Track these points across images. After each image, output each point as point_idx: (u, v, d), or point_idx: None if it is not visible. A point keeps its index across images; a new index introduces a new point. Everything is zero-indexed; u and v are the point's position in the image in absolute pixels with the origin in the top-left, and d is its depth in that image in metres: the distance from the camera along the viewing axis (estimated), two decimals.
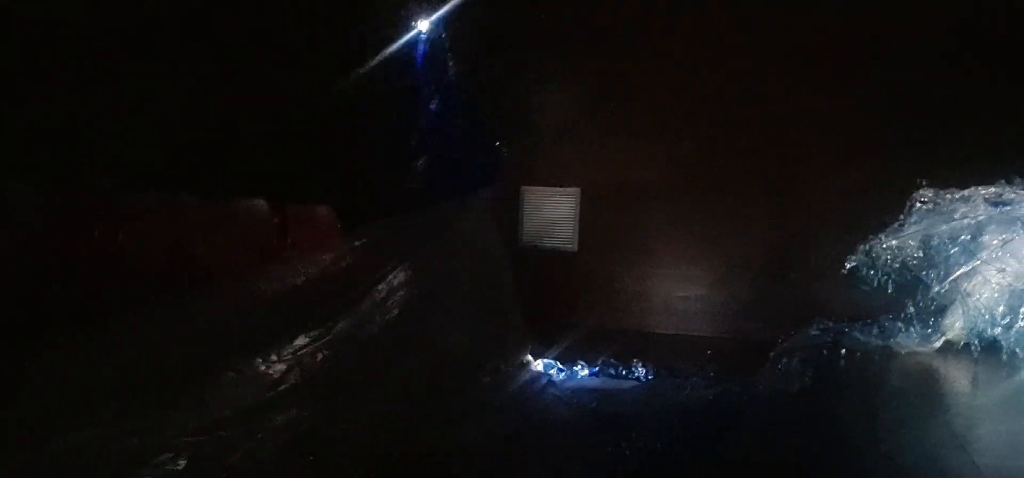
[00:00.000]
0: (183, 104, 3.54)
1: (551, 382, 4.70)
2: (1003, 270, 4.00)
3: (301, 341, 3.65)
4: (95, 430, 2.66)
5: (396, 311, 4.20)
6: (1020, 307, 4.00)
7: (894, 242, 4.24)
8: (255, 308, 3.77)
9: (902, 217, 4.28)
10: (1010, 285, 4.01)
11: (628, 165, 5.53)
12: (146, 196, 3.39)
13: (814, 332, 4.45)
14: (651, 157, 5.47)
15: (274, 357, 3.52)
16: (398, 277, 4.28)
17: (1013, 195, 4.08)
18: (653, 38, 5.39)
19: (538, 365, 4.96)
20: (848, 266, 4.37)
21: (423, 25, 5.01)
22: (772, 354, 4.35)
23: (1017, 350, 4.02)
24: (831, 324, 4.47)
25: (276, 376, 3.49)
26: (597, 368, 4.85)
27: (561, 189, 5.70)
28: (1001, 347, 4.04)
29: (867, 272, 4.31)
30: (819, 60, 5.09)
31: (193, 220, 3.68)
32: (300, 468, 3.02)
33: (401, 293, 4.25)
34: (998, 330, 4.07)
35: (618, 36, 5.43)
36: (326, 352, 3.80)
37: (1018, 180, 4.09)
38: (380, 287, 4.22)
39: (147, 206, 3.41)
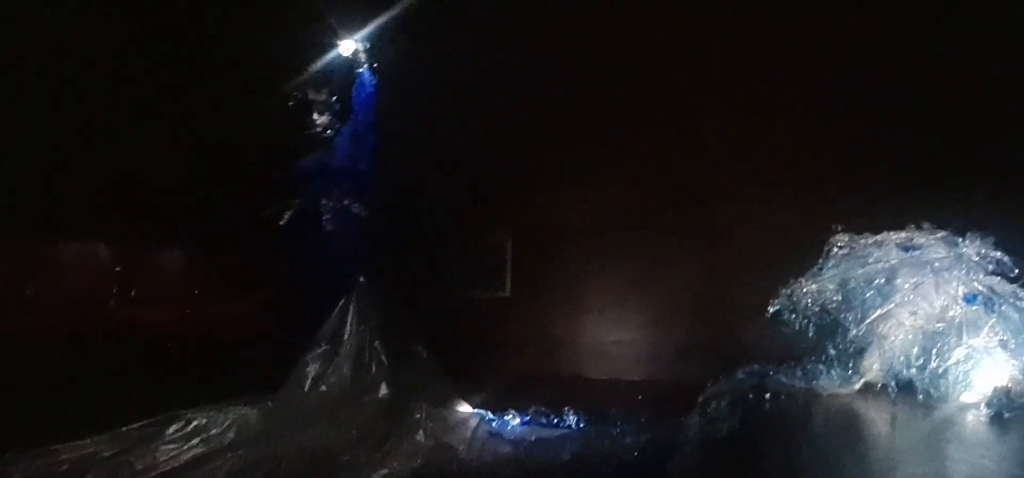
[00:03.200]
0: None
1: (482, 432, 4.63)
2: (915, 313, 4.13)
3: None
4: None
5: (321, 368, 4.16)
6: (933, 348, 4.12)
7: (814, 286, 4.34)
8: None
9: (821, 261, 4.39)
10: (922, 327, 4.13)
11: (559, 211, 5.57)
12: None
13: (741, 375, 4.53)
14: (581, 202, 5.53)
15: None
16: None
17: (923, 240, 4.24)
18: (579, 83, 5.48)
19: (469, 414, 4.88)
20: (771, 309, 4.44)
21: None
22: (701, 398, 4.41)
23: (932, 390, 4.13)
24: (757, 367, 4.55)
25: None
26: (528, 417, 4.81)
27: (493, 236, 5.68)
28: (916, 388, 4.16)
29: (789, 315, 4.39)
30: (742, 106, 5.25)
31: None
32: None
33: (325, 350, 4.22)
34: (913, 371, 4.18)
35: (544, 80, 5.50)
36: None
37: (927, 225, 4.26)
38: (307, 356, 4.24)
39: None
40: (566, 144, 5.53)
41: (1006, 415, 3.85)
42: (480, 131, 5.66)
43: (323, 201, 4.71)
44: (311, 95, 4.88)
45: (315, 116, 4.84)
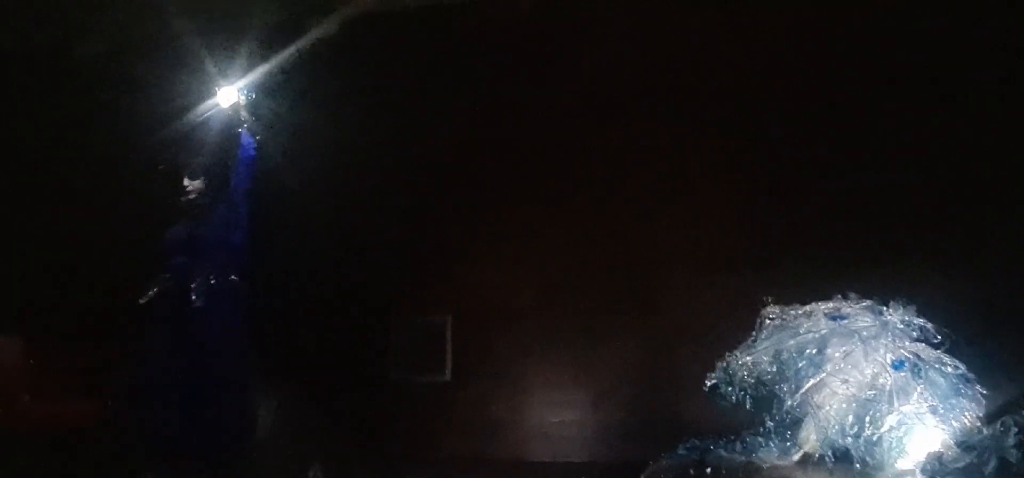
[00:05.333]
0: None
1: None
2: (846, 381, 4.18)
3: None
4: None
5: None
6: (866, 416, 4.16)
7: (748, 358, 4.38)
8: None
9: (754, 334, 4.44)
10: (854, 395, 4.18)
11: (498, 292, 5.57)
12: None
13: (682, 451, 4.50)
14: (520, 283, 5.54)
15: None
16: None
17: (850, 309, 4.34)
18: (515, 164, 5.59)
19: None
20: (709, 383, 4.46)
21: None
22: (642, 477, 4.35)
23: (867, 459, 4.16)
24: (697, 441, 4.53)
25: None
26: None
27: (432, 318, 5.63)
28: (852, 456, 4.18)
29: (726, 388, 4.41)
30: (672, 186, 5.40)
31: None
32: None
33: None
34: (849, 440, 4.20)
35: (480, 165, 5.58)
36: None
37: (853, 295, 4.37)
38: None
39: None
40: (499, 223, 5.58)
41: None
42: (420, 218, 5.67)
43: (196, 278, 4.19)
44: (183, 157, 4.46)
45: (187, 182, 4.37)
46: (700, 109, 5.37)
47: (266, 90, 4.94)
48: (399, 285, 5.67)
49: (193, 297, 4.18)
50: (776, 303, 4.49)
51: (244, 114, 4.61)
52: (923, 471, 4.00)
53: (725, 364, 4.47)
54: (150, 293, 4.25)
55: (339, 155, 5.69)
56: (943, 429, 4.09)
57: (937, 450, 4.06)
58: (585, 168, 5.53)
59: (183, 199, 4.42)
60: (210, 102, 4.71)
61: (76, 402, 4.82)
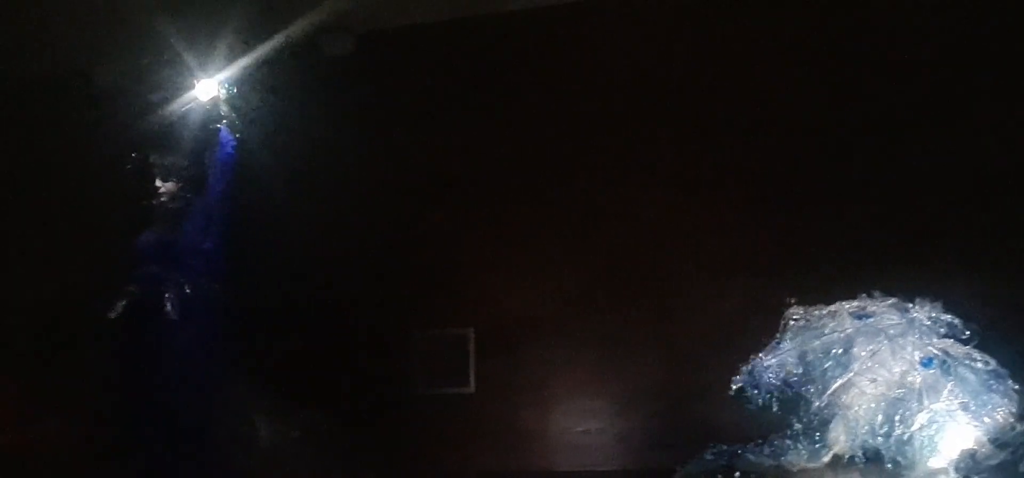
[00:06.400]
0: None
1: None
2: (875, 380, 4.13)
3: None
4: None
5: None
6: (895, 415, 4.12)
7: (773, 360, 4.35)
8: None
9: (778, 335, 4.41)
10: (883, 394, 4.14)
11: (520, 303, 5.57)
12: None
13: (709, 457, 4.46)
14: (542, 293, 5.54)
15: None
16: None
17: (875, 308, 4.29)
18: (532, 175, 5.62)
19: None
20: (734, 387, 4.43)
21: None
22: None
23: (899, 458, 4.12)
24: (725, 447, 4.49)
25: None
26: None
27: (454, 330, 5.64)
28: (883, 456, 4.14)
29: (752, 392, 4.38)
30: (692, 190, 5.37)
31: None
32: None
33: None
34: (879, 439, 4.16)
35: (497, 177, 5.61)
36: None
37: (877, 294, 4.33)
38: None
39: None
40: (519, 235, 5.59)
41: None
42: (428, 220, 5.71)
43: (169, 288, 3.87)
44: (155, 157, 4.07)
45: (159, 184, 4.02)
46: (717, 112, 5.36)
47: (276, 104, 4.74)
48: (420, 299, 5.69)
49: (166, 310, 3.91)
50: (799, 304, 4.45)
51: (225, 108, 4.31)
52: (956, 469, 3.95)
53: (750, 367, 4.44)
54: (118, 307, 3.96)
55: (359, 171, 5.75)
56: (975, 426, 4.03)
57: (970, 447, 4.01)
58: (603, 176, 5.53)
59: (154, 202, 4.15)
60: (188, 96, 4.34)
61: (34, 428, 4.50)
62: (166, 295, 3.96)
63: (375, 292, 5.67)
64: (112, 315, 3.97)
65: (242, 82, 4.55)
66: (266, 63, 4.82)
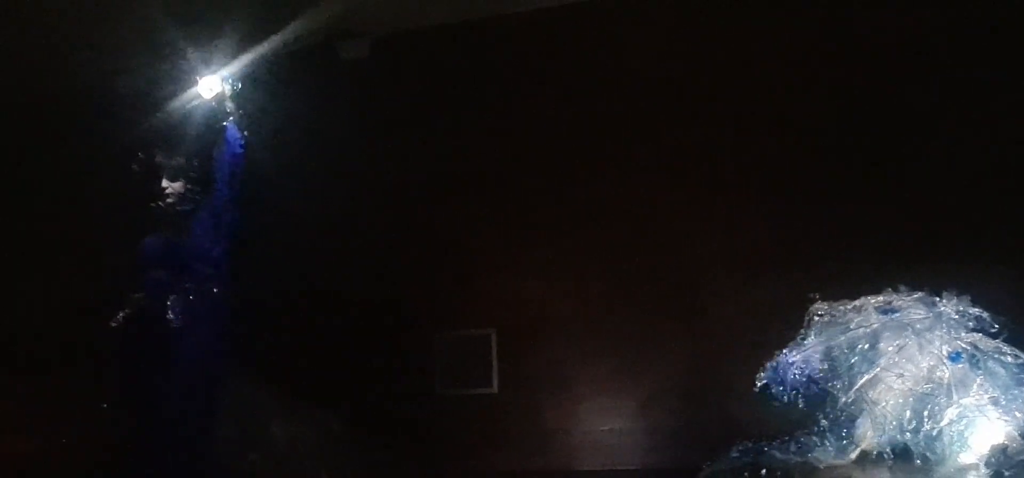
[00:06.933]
0: None
1: None
2: (903, 375, 4.08)
3: None
4: None
5: None
6: (924, 410, 4.07)
7: (798, 356, 4.32)
8: None
9: (803, 331, 4.38)
10: (911, 390, 4.09)
11: (542, 302, 5.58)
12: None
13: (735, 454, 4.43)
14: (563, 292, 5.54)
15: None
16: None
17: (901, 302, 4.24)
18: (554, 174, 5.62)
19: None
20: (759, 384, 4.40)
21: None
22: None
23: (928, 454, 4.07)
24: (751, 444, 4.46)
25: None
26: None
27: (476, 331, 5.66)
28: (912, 452, 4.09)
29: (777, 388, 4.36)
30: (715, 186, 5.35)
31: None
32: None
33: None
34: (907, 435, 4.11)
35: (519, 177, 5.62)
36: None
37: (903, 288, 4.27)
38: None
39: None
40: (540, 234, 5.60)
41: (1006, 474, 3.78)
42: (449, 221, 5.73)
43: (174, 291, 3.76)
44: (160, 158, 3.95)
45: (165, 184, 3.89)
46: (739, 109, 5.33)
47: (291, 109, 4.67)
48: (442, 301, 5.72)
49: (172, 317, 3.81)
50: (823, 299, 4.41)
51: (231, 105, 4.20)
52: (987, 464, 3.89)
53: (775, 363, 4.41)
54: (123, 315, 3.86)
55: (380, 173, 5.80)
56: (1006, 420, 3.97)
57: (1001, 442, 3.95)
58: (624, 174, 5.52)
59: (161, 204, 4.04)
60: (192, 92, 4.21)
61: (42, 434, 4.42)
62: (172, 301, 3.91)
63: (397, 294, 5.71)
64: (118, 322, 3.91)
65: (255, 84, 4.53)
66: (285, 68, 4.90)
